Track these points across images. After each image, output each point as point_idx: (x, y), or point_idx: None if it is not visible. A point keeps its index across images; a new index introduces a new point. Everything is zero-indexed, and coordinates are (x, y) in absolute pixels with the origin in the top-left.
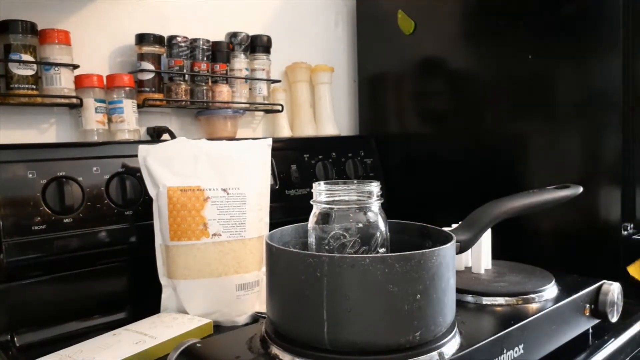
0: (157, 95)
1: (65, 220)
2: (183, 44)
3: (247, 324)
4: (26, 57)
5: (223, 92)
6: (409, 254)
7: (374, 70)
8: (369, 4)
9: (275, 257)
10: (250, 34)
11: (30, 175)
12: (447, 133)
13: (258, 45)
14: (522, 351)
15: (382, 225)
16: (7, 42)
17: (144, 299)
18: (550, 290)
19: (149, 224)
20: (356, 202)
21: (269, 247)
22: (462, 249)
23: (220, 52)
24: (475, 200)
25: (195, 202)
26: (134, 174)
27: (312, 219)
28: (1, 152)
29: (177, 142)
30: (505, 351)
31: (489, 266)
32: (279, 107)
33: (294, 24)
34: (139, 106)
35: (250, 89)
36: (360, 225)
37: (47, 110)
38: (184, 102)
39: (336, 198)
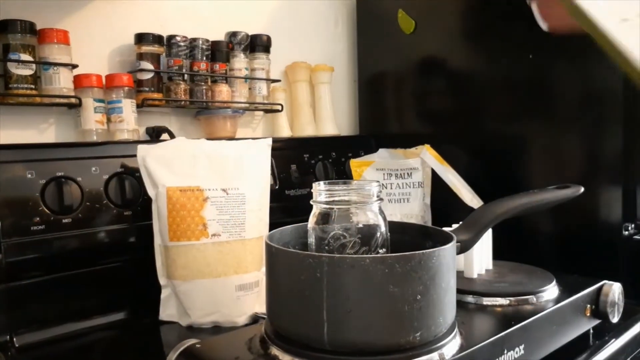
0: (156, 95)
1: (64, 221)
2: (182, 44)
3: (246, 325)
4: (25, 56)
5: (222, 91)
6: (409, 254)
7: (374, 70)
8: (369, 4)
9: (275, 258)
10: (250, 33)
11: (29, 175)
12: (447, 133)
13: (258, 44)
14: (522, 352)
15: (382, 225)
16: (6, 41)
17: (143, 299)
18: (551, 290)
19: (148, 224)
20: (356, 202)
21: (269, 248)
22: (462, 249)
23: (219, 51)
24: None
25: (194, 202)
26: (133, 174)
27: (312, 219)
28: (0, 152)
29: (177, 142)
30: (505, 352)
31: (490, 267)
32: (279, 107)
33: (293, 24)
34: (138, 106)
35: (249, 88)
36: (360, 225)
37: (46, 110)
38: (183, 102)
39: (336, 198)
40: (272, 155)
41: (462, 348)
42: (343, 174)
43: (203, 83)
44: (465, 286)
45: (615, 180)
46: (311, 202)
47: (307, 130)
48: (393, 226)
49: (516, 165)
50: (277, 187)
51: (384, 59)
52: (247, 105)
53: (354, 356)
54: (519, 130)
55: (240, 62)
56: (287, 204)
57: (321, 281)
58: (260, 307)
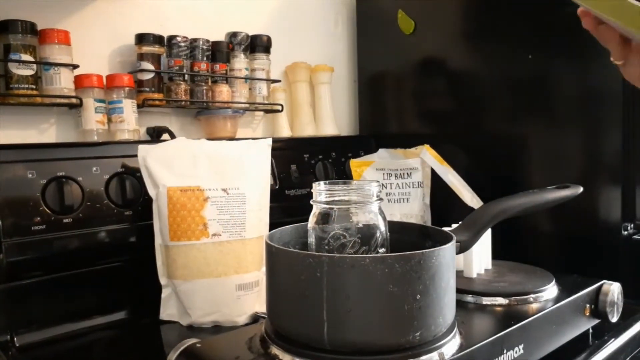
0: (156, 95)
1: (65, 221)
2: (183, 44)
3: (247, 324)
4: (26, 57)
5: (223, 92)
6: (408, 254)
7: (374, 70)
8: (369, 4)
9: (275, 257)
10: (250, 33)
11: (30, 175)
12: (446, 133)
13: (258, 45)
14: (522, 351)
15: (382, 225)
16: (7, 42)
17: (143, 299)
18: (551, 290)
19: (148, 224)
20: (356, 202)
21: (269, 247)
22: (462, 248)
23: (220, 52)
24: None
25: (195, 202)
26: (134, 174)
27: (312, 219)
28: (1, 152)
29: (177, 142)
30: (505, 351)
31: (489, 266)
32: (279, 107)
33: (293, 24)
34: (138, 106)
35: (250, 89)
36: (360, 225)
37: (46, 110)
38: (183, 102)
39: (336, 198)
40: (272, 155)
41: (461, 347)
42: (343, 174)
43: (203, 83)
44: (465, 286)
45: (614, 180)
46: (311, 202)
47: (307, 130)
48: (393, 226)
49: (516, 165)
50: (277, 187)
51: (384, 59)
52: (247, 105)
53: (354, 356)
54: (519, 130)
55: (240, 63)
56: (287, 204)
57: (321, 281)
58: (261, 307)
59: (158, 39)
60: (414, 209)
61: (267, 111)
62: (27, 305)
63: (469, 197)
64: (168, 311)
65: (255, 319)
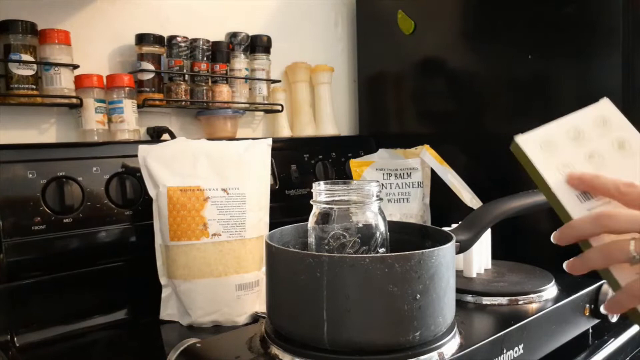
0: (157, 95)
1: (65, 220)
2: (183, 44)
3: (247, 324)
4: (26, 57)
5: (223, 92)
6: (408, 253)
7: (374, 70)
8: (368, 4)
9: (275, 257)
10: (250, 34)
11: (30, 175)
12: (447, 133)
13: (258, 45)
14: (522, 351)
15: (381, 225)
16: (7, 42)
17: (143, 299)
18: (550, 290)
19: (148, 224)
20: (356, 202)
21: (269, 247)
22: (462, 248)
23: (220, 52)
24: None
25: (195, 202)
26: (134, 174)
27: (312, 218)
28: (1, 152)
29: (177, 142)
30: (505, 351)
31: (489, 266)
32: (279, 107)
33: (293, 24)
34: (138, 106)
35: (250, 89)
36: (360, 225)
37: (47, 110)
38: (183, 102)
39: (336, 198)
40: (272, 155)
41: (461, 347)
42: (343, 174)
43: (203, 83)
44: (465, 286)
45: None
46: (311, 202)
47: (307, 130)
48: (392, 226)
49: (516, 165)
50: (277, 187)
51: (384, 59)
52: (247, 105)
53: (354, 355)
54: (518, 131)
55: (240, 63)
56: (287, 204)
57: (321, 280)
58: (261, 307)
59: (158, 39)
60: (413, 209)
61: (267, 111)
62: (27, 305)
63: (469, 198)
64: (168, 311)
65: (255, 318)
